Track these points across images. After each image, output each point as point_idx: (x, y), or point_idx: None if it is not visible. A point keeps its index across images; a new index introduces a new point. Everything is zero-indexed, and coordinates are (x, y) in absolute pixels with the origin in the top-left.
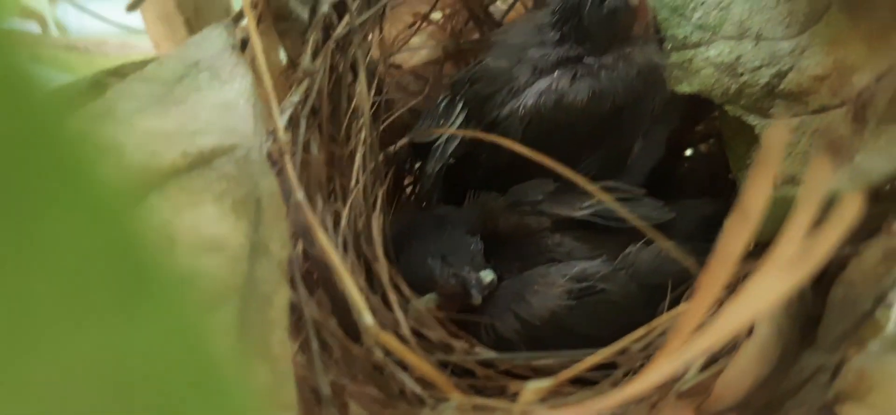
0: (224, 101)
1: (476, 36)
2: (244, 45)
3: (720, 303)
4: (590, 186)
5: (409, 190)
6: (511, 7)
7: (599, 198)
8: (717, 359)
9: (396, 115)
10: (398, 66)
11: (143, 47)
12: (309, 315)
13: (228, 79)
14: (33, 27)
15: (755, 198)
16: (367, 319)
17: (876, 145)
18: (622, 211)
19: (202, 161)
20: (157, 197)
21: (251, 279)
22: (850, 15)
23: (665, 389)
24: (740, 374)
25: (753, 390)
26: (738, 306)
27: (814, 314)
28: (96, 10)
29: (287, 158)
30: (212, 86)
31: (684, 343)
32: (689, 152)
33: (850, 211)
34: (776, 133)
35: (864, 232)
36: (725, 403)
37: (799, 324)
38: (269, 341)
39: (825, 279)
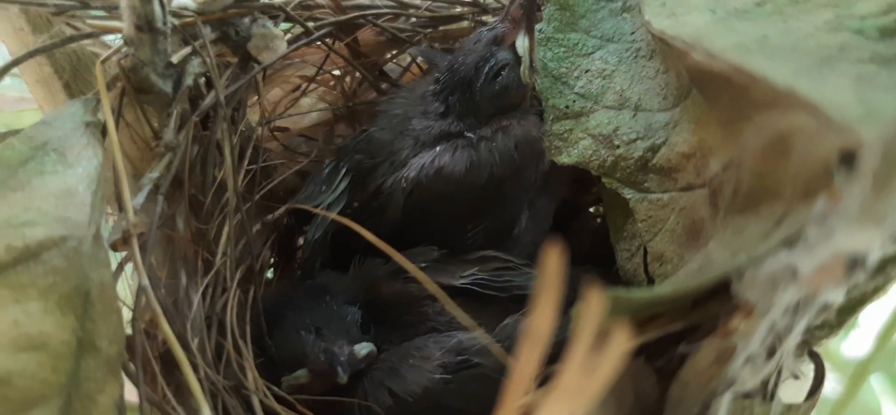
0: (64, 187)
1: (372, 95)
2: None
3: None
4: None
5: (300, 254)
6: (406, 69)
7: (476, 268)
8: None
9: (277, 181)
10: (285, 129)
11: None
12: (145, 404)
13: (75, 161)
14: None
15: (541, 324)
16: (205, 413)
17: (723, 236)
18: None
19: (29, 255)
20: None
21: (75, 377)
22: (705, 98)
23: None
24: None
25: None
26: None
27: (657, 409)
28: None
29: (134, 241)
30: (56, 170)
31: None
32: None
33: (620, 340)
34: (552, 260)
35: (705, 329)
36: None
37: None
38: None
39: (669, 373)
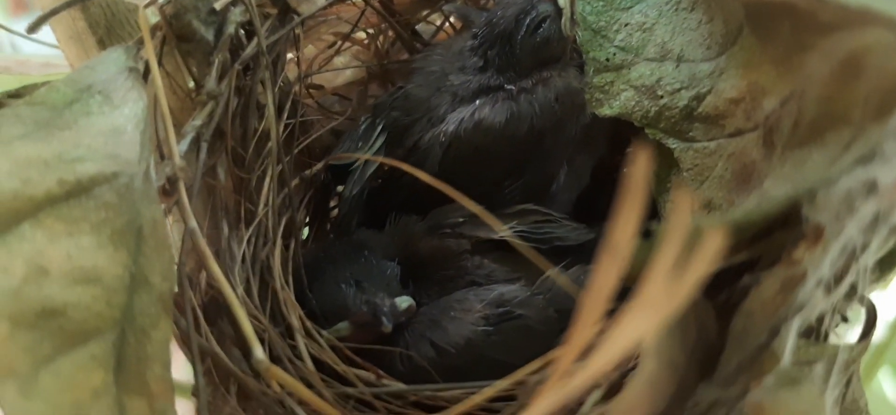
0: (112, 126)
1: (404, 56)
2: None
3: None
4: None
5: (334, 213)
6: (439, 29)
7: (515, 222)
8: (615, 394)
9: (314, 136)
10: (320, 87)
11: (65, 67)
12: (195, 347)
13: (120, 103)
14: None
15: (623, 234)
16: (258, 352)
17: (781, 172)
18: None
19: (81, 189)
20: (30, 226)
21: (129, 312)
22: (759, 38)
23: None
24: (631, 409)
25: None
26: (609, 346)
27: (717, 345)
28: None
29: (181, 184)
30: (102, 111)
31: (564, 378)
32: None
33: (712, 247)
34: (640, 164)
35: (766, 261)
36: None
37: (698, 357)
38: (146, 376)
39: (728, 310)
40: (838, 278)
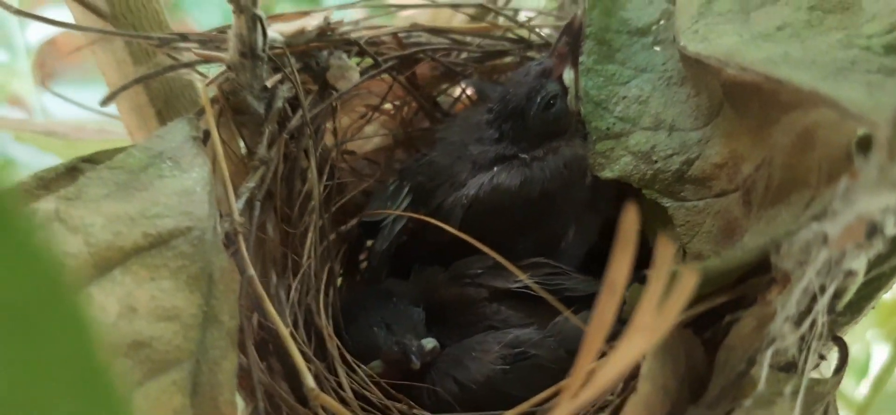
0: (183, 188)
1: (426, 124)
2: (207, 136)
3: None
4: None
5: (364, 265)
6: (456, 100)
7: (528, 274)
8: None
9: (348, 197)
10: (352, 152)
11: (118, 132)
12: (257, 378)
13: (188, 167)
14: (19, 112)
15: (619, 275)
16: (309, 381)
17: (757, 227)
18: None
19: (161, 241)
20: (120, 272)
21: (203, 345)
22: (736, 112)
23: None
24: None
25: None
26: (610, 366)
27: (705, 375)
28: (77, 97)
29: (241, 237)
30: (173, 174)
31: (574, 393)
32: None
33: (688, 286)
34: (630, 217)
35: (744, 303)
36: None
37: (688, 384)
38: (217, 400)
39: (714, 345)
40: (803, 316)
